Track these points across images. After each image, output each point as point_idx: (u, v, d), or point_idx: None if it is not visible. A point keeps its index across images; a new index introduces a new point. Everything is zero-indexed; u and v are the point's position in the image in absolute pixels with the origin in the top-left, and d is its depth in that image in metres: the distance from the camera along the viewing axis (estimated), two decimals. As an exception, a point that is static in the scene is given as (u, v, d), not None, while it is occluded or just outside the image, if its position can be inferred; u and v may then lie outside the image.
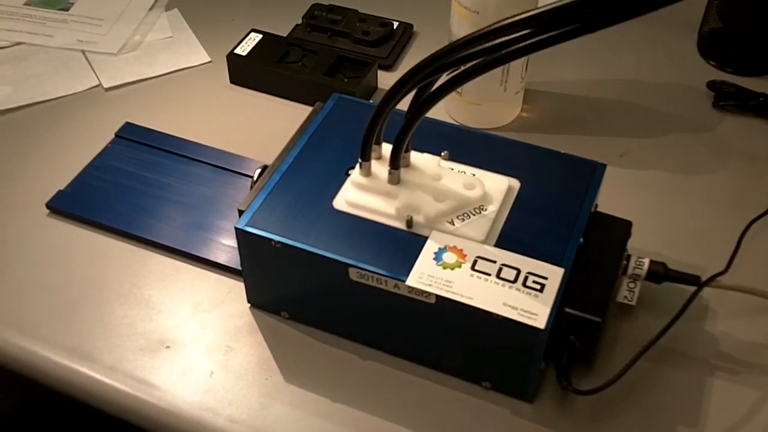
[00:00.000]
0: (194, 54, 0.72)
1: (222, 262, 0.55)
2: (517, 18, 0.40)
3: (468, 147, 0.53)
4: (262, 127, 0.65)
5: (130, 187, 0.59)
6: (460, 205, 0.48)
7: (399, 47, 0.73)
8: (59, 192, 0.59)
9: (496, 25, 0.40)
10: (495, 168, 0.51)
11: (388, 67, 0.71)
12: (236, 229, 0.48)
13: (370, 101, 0.57)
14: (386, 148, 0.49)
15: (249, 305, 0.53)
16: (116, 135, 0.64)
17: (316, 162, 0.52)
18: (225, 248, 0.56)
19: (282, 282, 0.51)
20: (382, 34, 0.72)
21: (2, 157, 0.63)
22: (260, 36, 0.70)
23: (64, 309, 0.53)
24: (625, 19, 0.38)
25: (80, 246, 0.57)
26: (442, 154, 0.51)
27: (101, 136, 0.64)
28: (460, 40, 0.41)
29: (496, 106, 0.65)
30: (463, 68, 0.42)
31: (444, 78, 0.43)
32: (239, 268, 0.53)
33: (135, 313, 0.53)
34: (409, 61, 0.72)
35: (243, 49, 0.69)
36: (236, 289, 0.54)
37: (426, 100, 0.44)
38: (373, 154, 0.49)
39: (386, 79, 0.70)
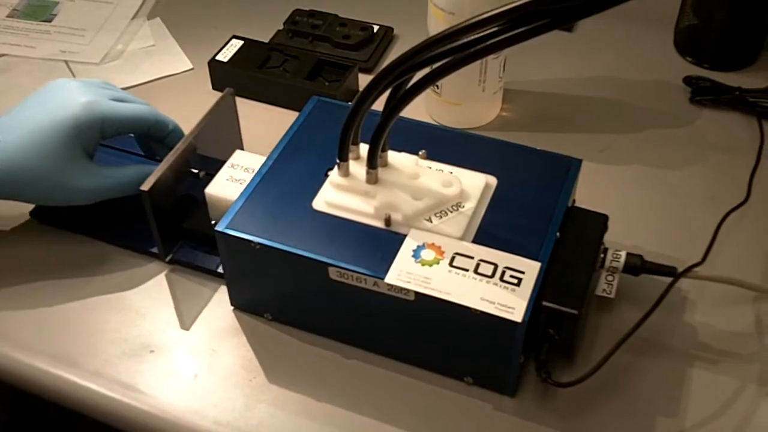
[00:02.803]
0: (176, 61, 0.73)
1: (202, 265, 0.55)
2: (487, 15, 0.40)
3: (445, 146, 0.53)
4: (246, 132, 0.65)
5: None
6: (437, 203, 0.49)
7: (380, 50, 0.73)
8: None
9: (466, 23, 0.41)
10: (472, 166, 0.52)
11: (369, 70, 0.72)
12: (216, 231, 0.49)
13: (349, 103, 0.57)
14: (364, 149, 0.50)
15: (232, 308, 0.54)
16: (100, 144, 0.64)
17: (296, 164, 0.53)
18: (206, 252, 0.56)
19: (264, 284, 0.51)
20: (362, 37, 0.73)
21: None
22: (241, 42, 0.71)
23: (47, 316, 0.54)
24: (591, 14, 0.39)
25: (63, 253, 0.57)
26: (420, 153, 0.52)
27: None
28: (431, 38, 0.42)
29: (476, 106, 0.66)
30: (436, 66, 0.43)
31: (418, 76, 0.44)
32: (221, 271, 0.54)
33: (118, 319, 0.53)
34: (389, 64, 0.73)
35: (224, 56, 0.70)
36: (218, 292, 0.55)
37: (400, 99, 0.45)
38: (350, 155, 0.50)
39: (367, 82, 0.70)
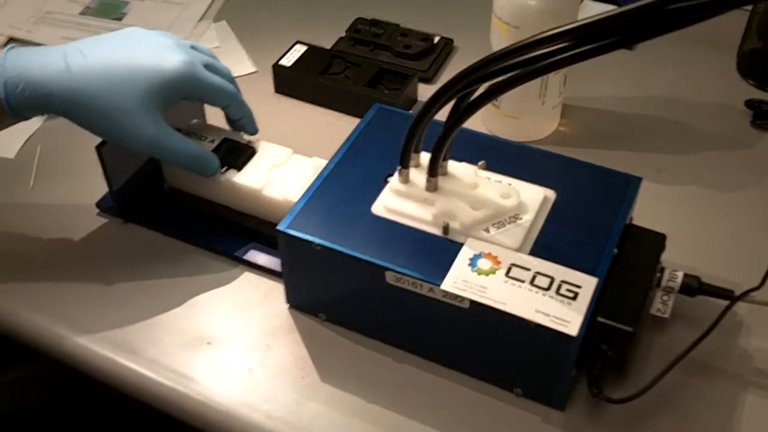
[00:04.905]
0: (240, 64, 0.75)
1: (262, 264, 0.57)
2: (556, 31, 0.41)
3: (504, 157, 0.54)
4: (305, 136, 0.67)
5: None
6: (495, 214, 0.49)
7: (439, 61, 0.74)
8: (110, 192, 0.61)
9: (534, 38, 0.42)
10: (531, 178, 0.52)
11: (428, 80, 0.72)
12: (278, 231, 0.50)
13: (410, 112, 0.58)
14: (424, 157, 0.50)
15: (288, 306, 0.55)
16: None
17: (357, 169, 0.54)
18: (264, 251, 0.57)
19: (321, 284, 0.52)
20: (423, 47, 0.74)
21: (59, 155, 0.66)
22: (305, 48, 0.73)
23: (110, 304, 0.55)
24: (661, 34, 0.39)
25: (127, 244, 0.59)
26: (479, 163, 0.52)
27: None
28: (498, 52, 0.43)
29: (534, 120, 0.66)
30: (500, 79, 0.44)
31: (482, 89, 0.45)
32: (278, 270, 0.55)
33: (178, 310, 0.55)
34: (448, 75, 0.72)
35: (288, 60, 0.71)
36: (275, 290, 0.56)
37: (464, 111, 0.46)
38: (411, 162, 0.51)
39: (426, 92, 0.71)
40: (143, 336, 0.53)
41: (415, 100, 0.71)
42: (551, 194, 0.51)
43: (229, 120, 0.59)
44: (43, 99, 0.51)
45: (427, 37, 0.75)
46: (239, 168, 0.57)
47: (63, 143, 0.67)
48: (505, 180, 0.52)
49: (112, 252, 0.59)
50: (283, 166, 0.58)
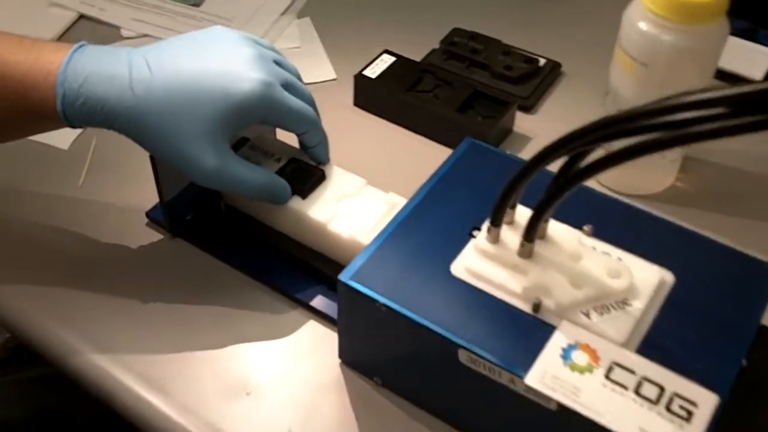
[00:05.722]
0: (320, 69, 0.68)
1: (317, 307, 0.50)
2: (716, 94, 0.32)
3: (616, 221, 0.45)
4: (382, 160, 0.60)
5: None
6: (599, 295, 0.41)
7: (543, 88, 0.66)
8: (160, 203, 0.55)
9: (684, 99, 0.33)
10: (646, 253, 0.43)
11: (528, 109, 0.64)
12: (339, 281, 0.43)
13: (508, 153, 0.50)
14: (521, 213, 0.43)
15: (340, 361, 0.48)
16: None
17: (438, 215, 0.46)
18: (322, 292, 0.50)
19: (380, 346, 0.45)
20: (525, 71, 0.65)
21: (114, 153, 0.61)
22: (393, 59, 0.65)
23: (145, 328, 0.49)
24: None
25: (172, 262, 0.53)
26: (585, 228, 0.44)
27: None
28: (636, 110, 0.34)
29: (650, 173, 0.57)
30: (630, 144, 0.35)
31: (601, 151, 0.37)
32: (335, 316, 0.48)
33: (222, 351, 0.49)
34: (552, 105, 0.65)
35: (372, 71, 0.64)
36: (329, 338, 0.49)
37: (578, 174, 0.38)
38: (504, 218, 0.43)
39: (524, 122, 0.63)
40: (177, 373, 0.47)
41: (510, 131, 0.62)
42: (669, 277, 0.43)
43: (302, 145, 0.52)
44: (102, 118, 0.46)
45: (532, 59, 0.66)
46: (304, 195, 0.50)
47: (120, 140, 0.59)
48: (615, 252, 0.44)
49: (156, 268, 0.53)
50: (354, 199, 0.50)
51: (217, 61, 0.46)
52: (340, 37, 0.72)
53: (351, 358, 0.48)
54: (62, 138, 0.60)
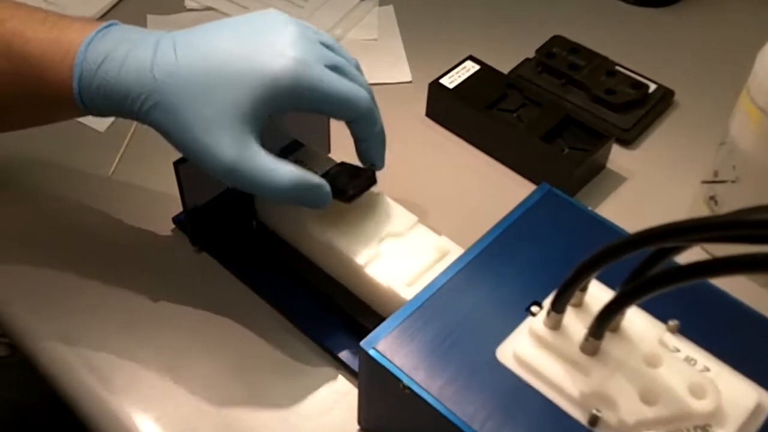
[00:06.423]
0: (395, 68, 0.60)
1: (341, 357, 0.43)
2: None
3: (715, 319, 0.37)
4: (445, 185, 0.52)
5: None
6: (674, 416, 0.33)
7: (649, 119, 0.56)
8: (184, 213, 0.48)
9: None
10: (742, 365, 0.35)
11: (628, 143, 0.55)
12: (360, 348, 0.36)
13: (591, 210, 0.42)
14: (592, 295, 0.35)
15: (359, 428, 0.41)
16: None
17: (495, 278, 0.38)
18: (349, 340, 0.44)
19: (404, 425, 0.38)
20: (632, 97, 0.56)
21: (151, 142, 0.54)
22: (477, 67, 0.57)
23: (148, 350, 0.44)
24: None
25: (193, 277, 0.48)
26: (670, 323, 0.35)
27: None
28: (756, 219, 0.26)
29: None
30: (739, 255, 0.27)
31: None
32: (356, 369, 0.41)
33: (224, 390, 0.43)
34: (656, 141, 0.55)
35: (451, 80, 0.56)
36: (351, 397, 0.42)
37: (649, 283, 0.29)
38: (571, 299, 0.35)
39: (620, 158, 0.54)
40: (173, 414, 0.42)
41: (603, 167, 0.53)
42: (767, 401, 0.34)
43: (355, 140, 0.45)
44: (119, 104, 0.40)
45: (640, 84, 0.56)
46: (349, 198, 0.43)
47: (149, 145, 0.55)
48: (703, 359, 0.35)
49: (172, 281, 0.47)
50: (401, 238, 0.43)
51: (250, 43, 0.40)
52: (424, 33, 0.64)
53: (371, 427, 0.41)
54: (99, 119, 0.55)
